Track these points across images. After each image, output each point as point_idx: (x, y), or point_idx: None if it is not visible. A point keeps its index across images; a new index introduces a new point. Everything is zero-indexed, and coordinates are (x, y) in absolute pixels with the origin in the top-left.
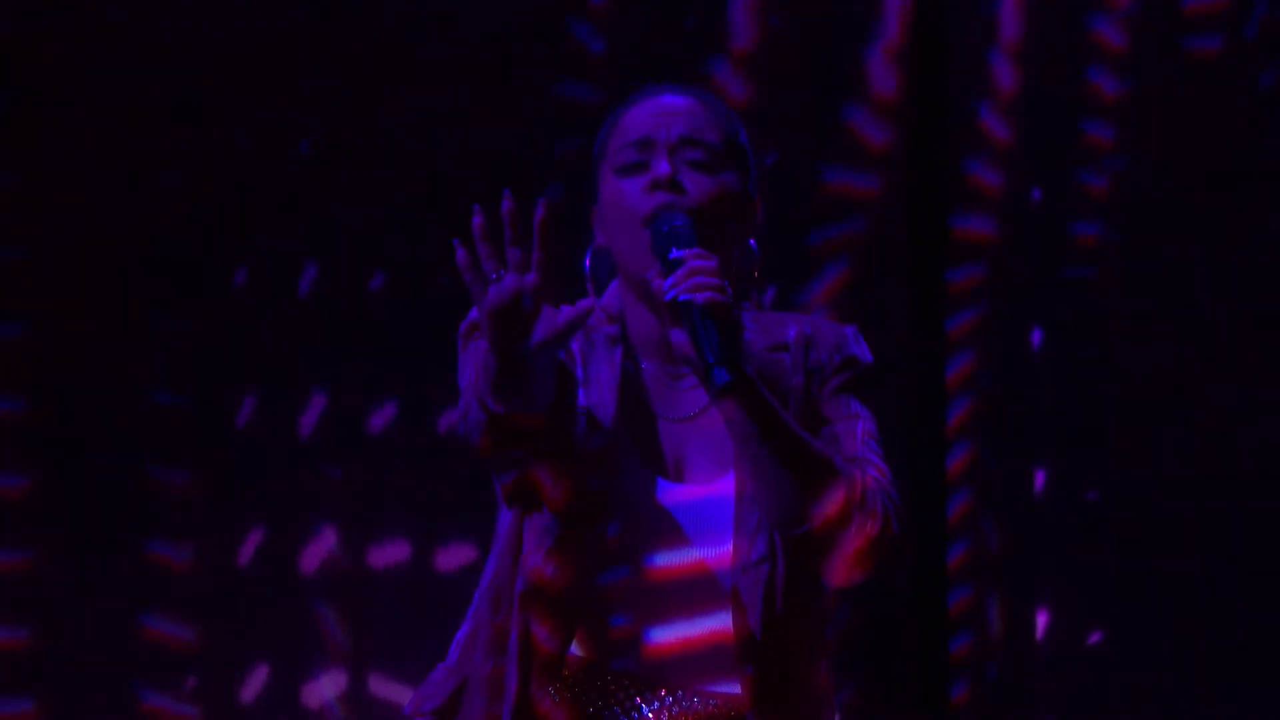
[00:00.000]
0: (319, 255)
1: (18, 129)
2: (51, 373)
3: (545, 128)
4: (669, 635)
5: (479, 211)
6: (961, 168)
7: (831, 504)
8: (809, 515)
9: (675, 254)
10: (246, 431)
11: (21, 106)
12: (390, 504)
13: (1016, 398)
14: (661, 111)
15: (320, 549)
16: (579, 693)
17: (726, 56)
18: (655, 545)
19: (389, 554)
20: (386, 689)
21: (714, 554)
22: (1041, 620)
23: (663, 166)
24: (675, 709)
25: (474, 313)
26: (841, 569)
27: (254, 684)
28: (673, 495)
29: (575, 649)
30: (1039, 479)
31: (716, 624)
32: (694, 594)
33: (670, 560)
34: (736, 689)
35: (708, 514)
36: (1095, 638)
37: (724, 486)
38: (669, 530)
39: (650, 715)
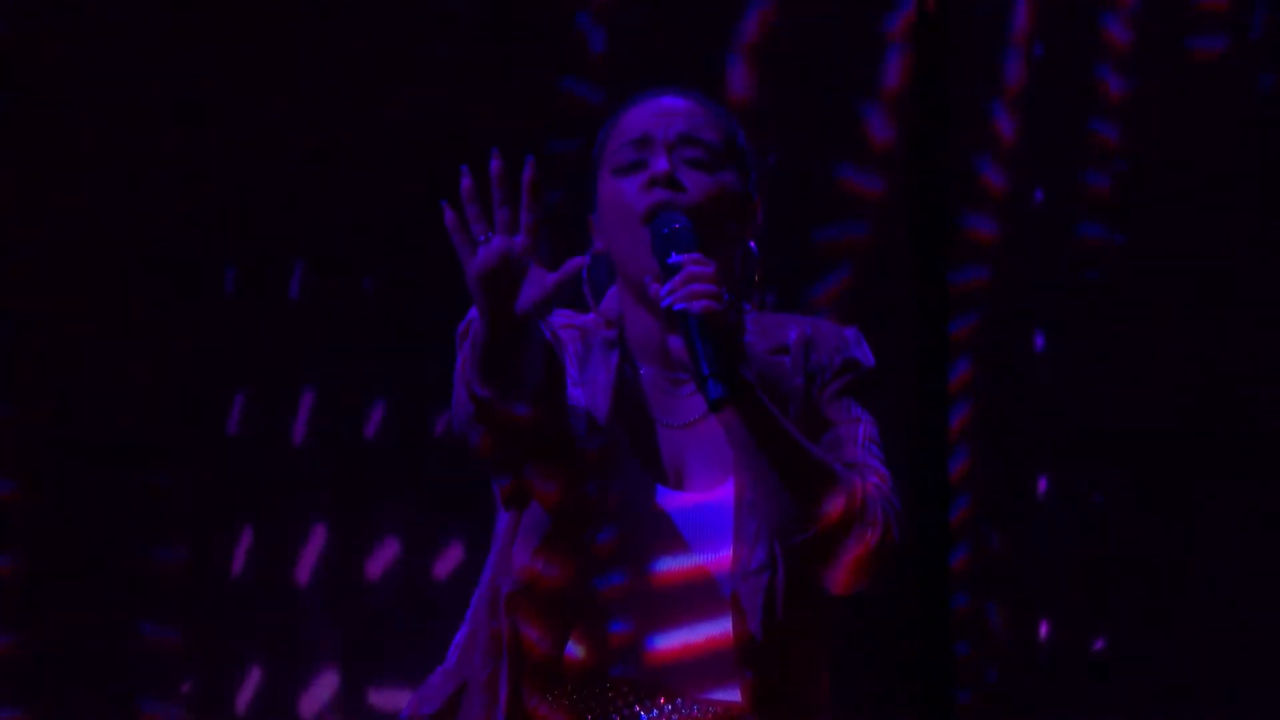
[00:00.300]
0: (312, 255)
1: (14, 129)
2: (42, 374)
3: (545, 129)
4: (669, 642)
5: (467, 172)
6: (965, 168)
7: (831, 511)
8: (808, 522)
9: (674, 259)
10: (240, 433)
11: (19, 107)
12: (385, 506)
13: (1019, 401)
14: (660, 112)
15: (315, 552)
16: (577, 699)
17: (731, 53)
18: (654, 551)
19: (384, 556)
20: (383, 693)
21: (713, 561)
22: (1043, 625)
23: (661, 164)
24: (675, 716)
25: (472, 312)
26: (842, 577)
27: (249, 689)
28: (671, 502)
29: (575, 655)
30: (1041, 484)
31: (716, 631)
32: (693, 601)
33: (669, 567)
34: (736, 696)
35: (707, 521)
36: (1097, 643)
37: (723, 493)
38: (667, 537)
39: None
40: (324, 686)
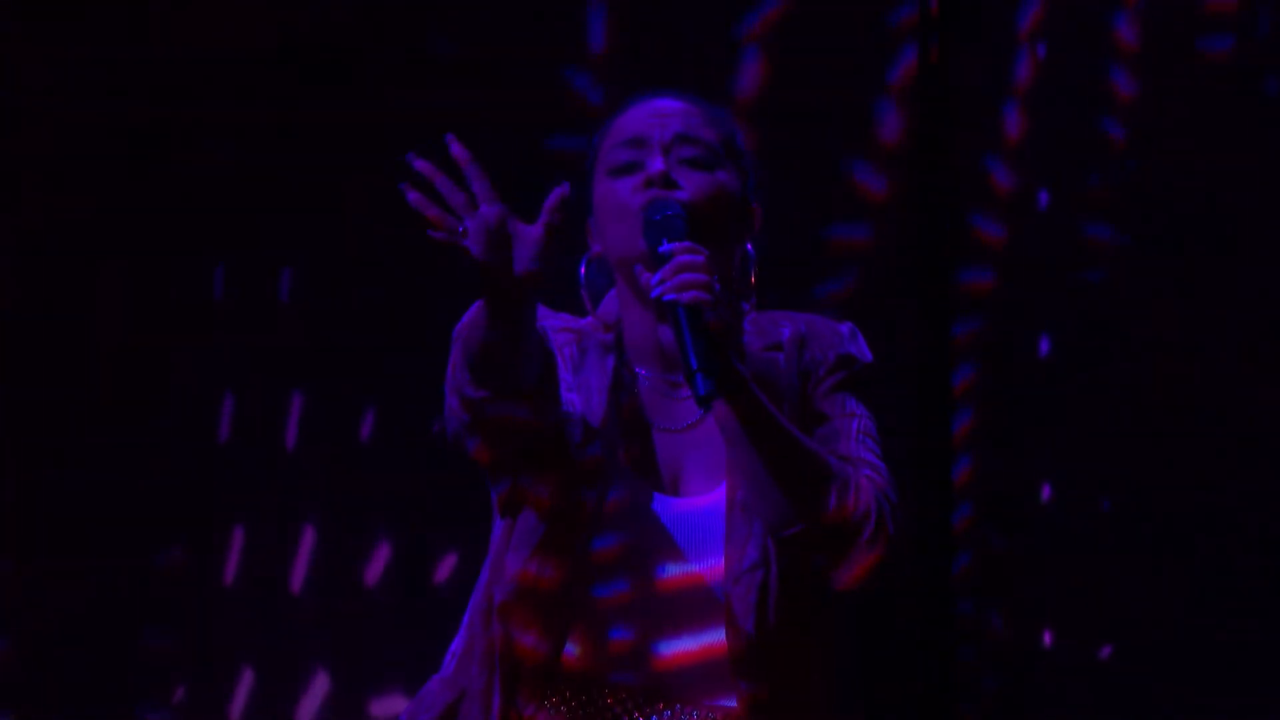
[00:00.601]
0: (304, 257)
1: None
2: (28, 377)
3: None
4: (667, 649)
5: (414, 158)
6: (972, 168)
7: (825, 504)
8: (802, 516)
9: (665, 248)
10: (231, 439)
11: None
12: (378, 510)
13: (1023, 406)
14: (656, 112)
15: (306, 557)
16: (575, 706)
17: (738, 49)
18: (650, 558)
19: (377, 561)
20: (375, 699)
21: (709, 565)
22: (1047, 631)
23: (656, 163)
24: None
25: (469, 314)
26: (838, 571)
27: (241, 696)
28: (667, 507)
29: (573, 661)
30: (1045, 490)
31: (714, 636)
32: (690, 606)
33: (666, 573)
34: (735, 702)
35: (703, 526)
36: (1101, 650)
37: (719, 497)
38: (663, 543)
39: None
40: (316, 693)
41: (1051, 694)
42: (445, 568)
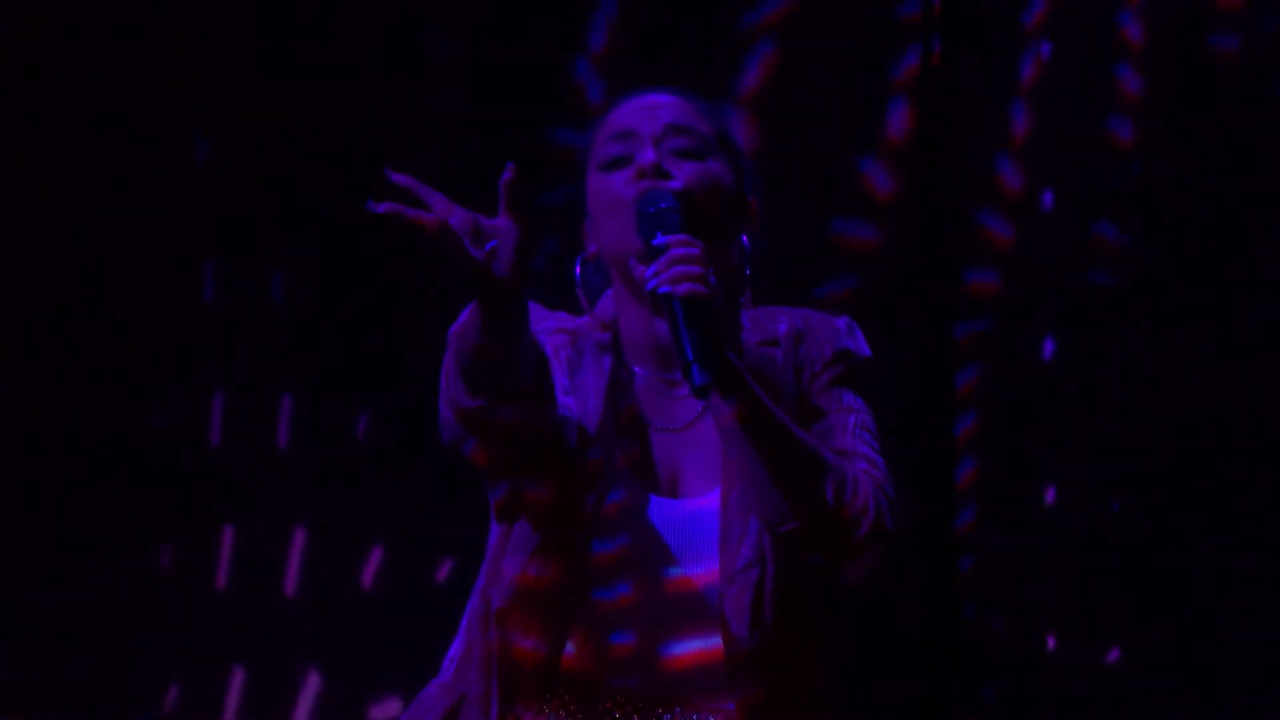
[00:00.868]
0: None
1: None
2: (20, 375)
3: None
4: (666, 652)
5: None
6: (977, 168)
7: (822, 500)
8: (799, 512)
9: (659, 240)
10: (224, 438)
11: None
12: (371, 511)
13: (1027, 409)
14: (646, 106)
15: (298, 558)
16: (575, 710)
17: (741, 49)
18: (648, 560)
19: (370, 563)
20: (365, 702)
21: (706, 567)
22: (1050, 635)
23: (647, 155)
24: None
25: (459, 321)
26: (834, 565)
27: (233, 699)
28: (664, 509)
29: (572, 665)
30: (1050, 493)
31: (712, 639)
32: (689, 608)
33: (664, 575)
34: (733, 705)
35: (699, 527)
36: (1105, 654)
37: (716, 498)
38: (661, 545)
39: None
40: (315, 697)
41: (1054, 698)
42: (442, 570)
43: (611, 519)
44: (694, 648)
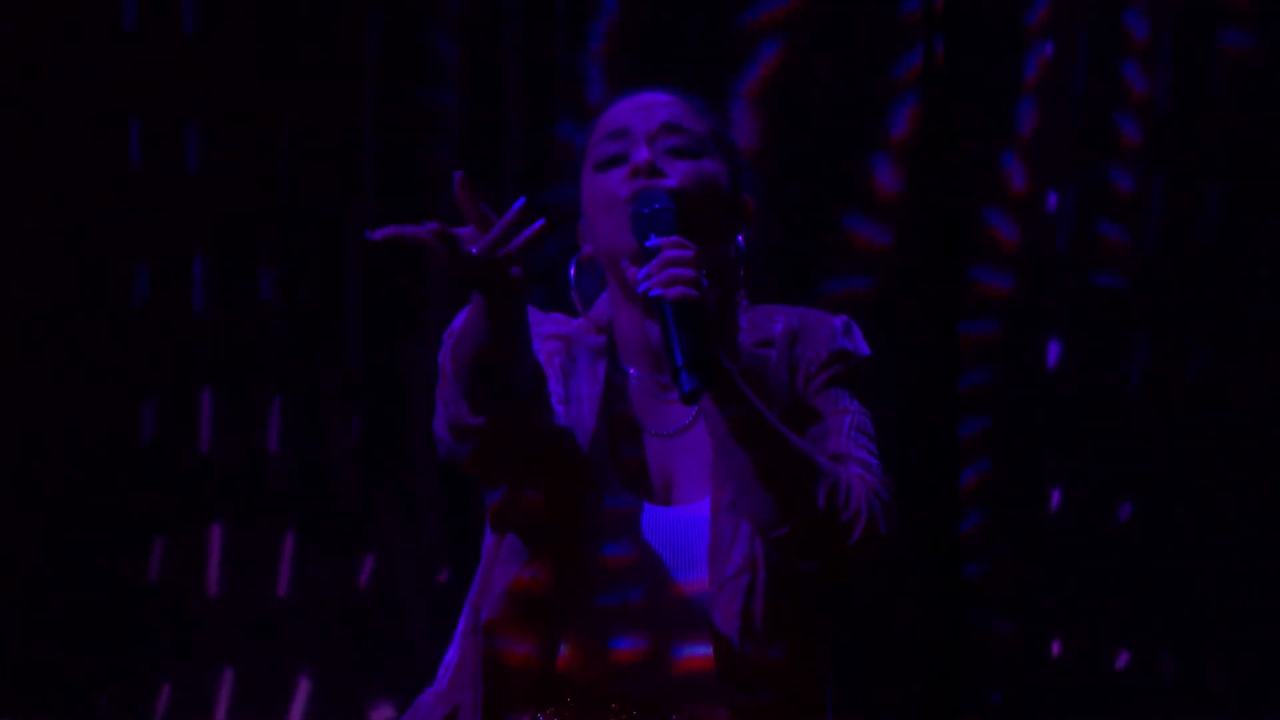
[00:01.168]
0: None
1: None
2: None
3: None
4: (661, 659)
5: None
6: (983, 168)
7: (813, 505)
8: (790, 517)
9: (652, 242)
10: (211, 441)
11: None
12: (359, 516)
13: (1032, 412)
14: (640, 105)
15: (287, 562)
16: (570, 718)
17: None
18: (641, 568)
19: (363, 568)
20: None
21: (698, 574)
22: (1055, 641)
23: (641, 153)
24: None
25: (458, 320)
26: (827, 570)
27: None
28: (657, 517)
29: (567, 673)
30: (1054, 498)
31: (705, 647)
32: (682, 616)
33: (657, 583)
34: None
35: (692, 534)
36: (1109, 659)
37: (708, 505)
38: (653, 552)
39: None
40: (312, 703)
41: (1058, 703)
42: (442, 575)
43: (604, 526)
44: (686, 655)
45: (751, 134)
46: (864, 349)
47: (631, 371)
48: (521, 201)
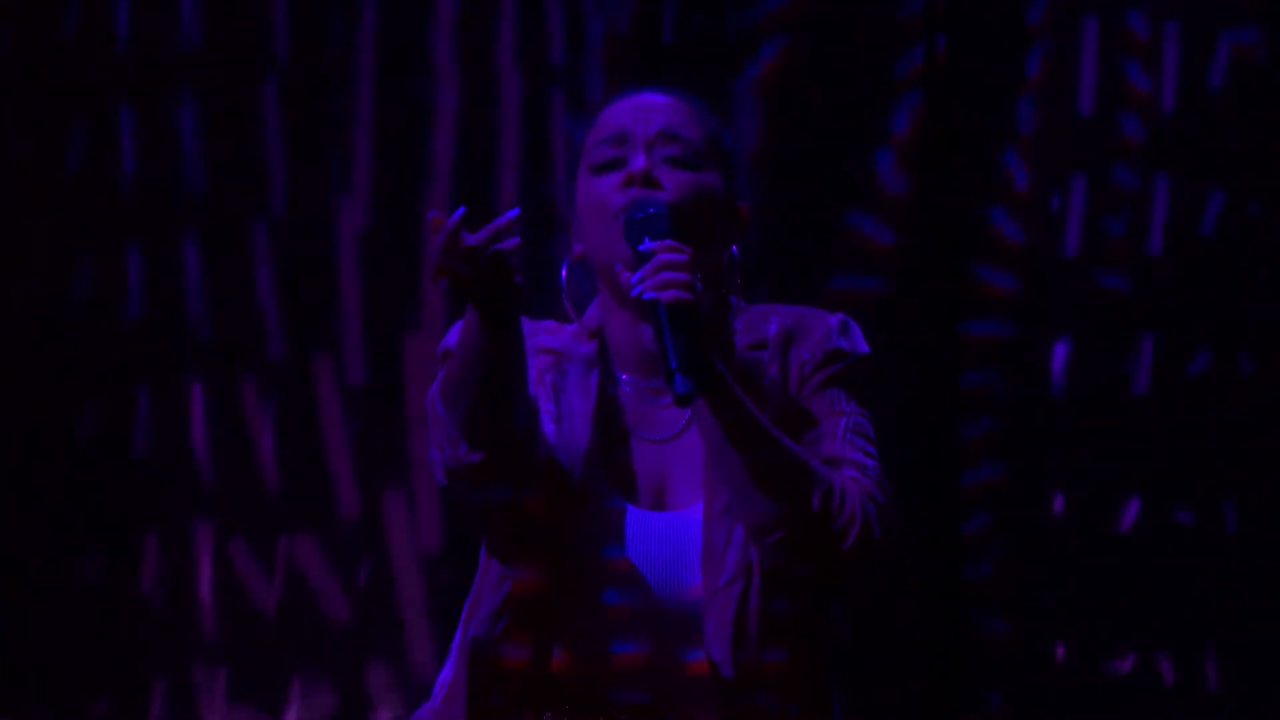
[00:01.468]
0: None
1: None
2: None
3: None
4: (654, 667)
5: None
6: (986, 168)
7: (807, 511)
8: (783, 523)
9: (645, 246)
10: (207, 438)
11: None
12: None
13: (1034, 413)
14: (639, 107)
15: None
16: None
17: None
18: (633, 575)
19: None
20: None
21: (691, 582)
22: (1058, 645)
23: (638, 161)
24: None
25: (450, 336)
26: (823, 575)
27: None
28: (649, 523)
29: (561, 683)
30: (1057, 499)
31: (699, 654)
32: (674, 624)
33: (649, 590)
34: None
35: (684, 540)
36: (1112, 664)
37: (700, 510)
38: (645, 560)
39: None
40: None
41: (1058, 704)
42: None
43: (598, 532)
44: (681, 662)
45: (753, 133)
46: (862, 347)
47: (624, 377)
48: (515, 211)
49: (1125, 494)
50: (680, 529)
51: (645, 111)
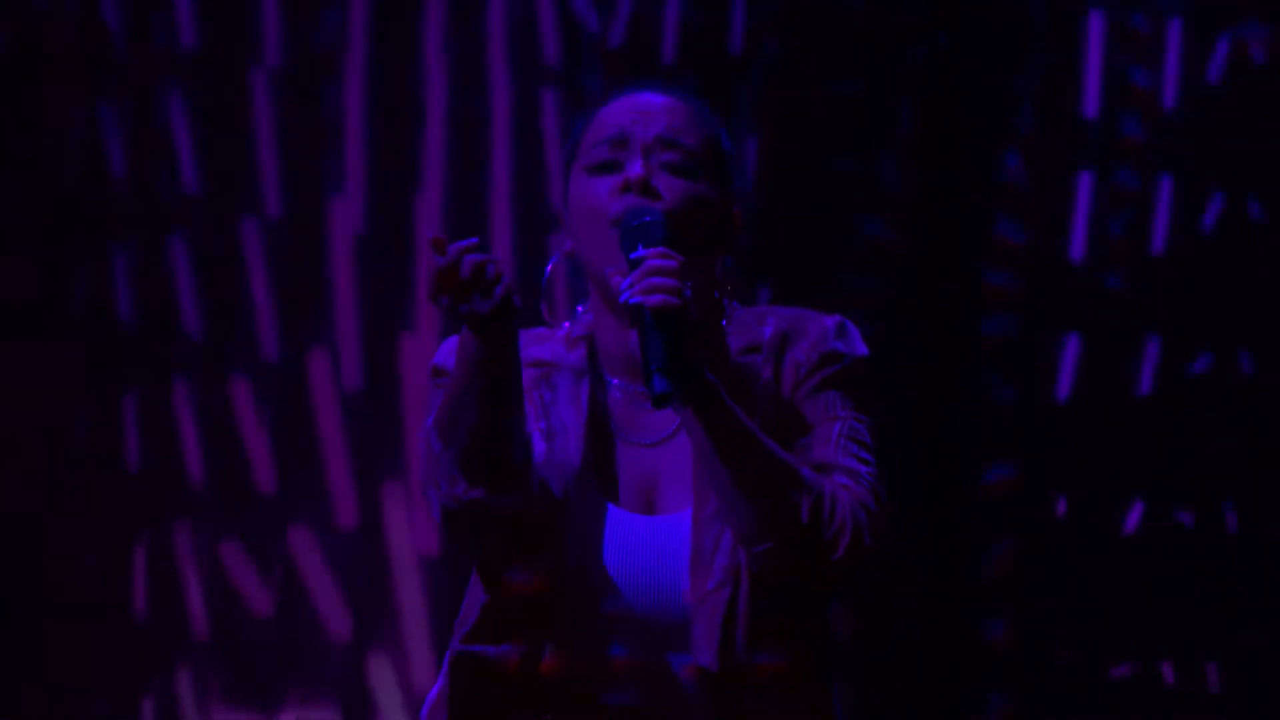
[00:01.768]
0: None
1: None
2: None
3: None
4: (644, 673)
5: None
6: (989, 169)
7: (796, 519)
8: (772, 532)
9: (636, 254)
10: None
11: None
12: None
13: (1037, 413)
14: (638, 109)
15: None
16: None
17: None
18: (622, 579)
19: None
20: None
21: (680, 587)
22: (1060, 647)
23: (636, 168)
24: None
25: (442, 352)
26: (813, 583)
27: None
28: (638, 527)
29: (549, 687)
30: (1061, 504)
31: (686, 659)
32: (663, 630)
33: (639, 594)
34: None
35: (673, 545)
36: (1114, 667)
37: (689, 514)
38: (634, 565)
39: None
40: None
41: (1062, 708)
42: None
43: (587, 537)
44: (671, 667)
45: (753, 133)
46: (860, 349)
47: (614, 381)
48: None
49: (1128, 496)
50: (670, 533)
51: (644, 114)
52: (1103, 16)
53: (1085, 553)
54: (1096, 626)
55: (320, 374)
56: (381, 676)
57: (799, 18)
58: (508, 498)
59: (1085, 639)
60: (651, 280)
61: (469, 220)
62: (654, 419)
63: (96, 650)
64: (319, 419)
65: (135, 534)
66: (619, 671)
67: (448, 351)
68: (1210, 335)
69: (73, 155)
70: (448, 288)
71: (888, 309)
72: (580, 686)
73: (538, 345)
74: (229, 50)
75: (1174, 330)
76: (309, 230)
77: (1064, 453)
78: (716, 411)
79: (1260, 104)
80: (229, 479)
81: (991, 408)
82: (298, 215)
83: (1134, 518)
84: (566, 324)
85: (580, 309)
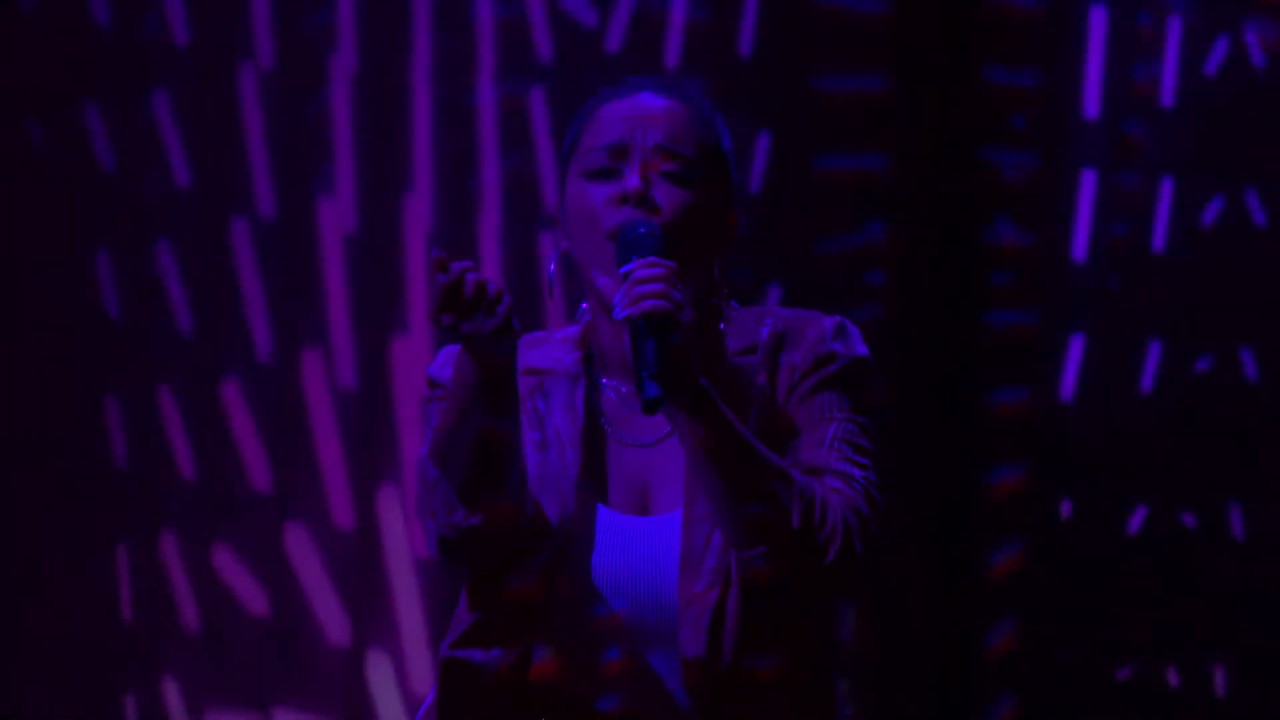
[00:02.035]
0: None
1: None
2: None
3: None
4: (636, 675)
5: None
6: (990, 169)
7: (786, 524)
8: (763, 537)
9: (625, 268)
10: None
11: None
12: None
13: (1041, 414)
14: (638, 114)
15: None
16: None
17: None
18: (614, 580)
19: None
20: None
21: (670, 588)
22: (1062, 649)
23: (633, 180)
24: None
25: (436, 363)
26: (803, 588)
27: None
28: (629, 528)
29: (541, 690)
30: (1066, 506)
31: (675, 662)
32: (653, 631)
33: (631, 596)
34: None
35: (664, 546)
36: (1118, 670)
37: (680, 515)
38: (624, 565)
39: None
40: None
41: (1069, 710)
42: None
43: (579, 538)
44: (661, 668)
45: (752, 133)
46: (858, 350)
47: (608, 382)
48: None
49: (1133, 497)
50: (661, 535)
51: (643, 120)
52: (1104, 15)
53: (1090, 554)
54: (1101, 628)
55: (313, 374)
56: (378, 678)
57: (799, 18)
58: (508, 522)
59: (1090, 641)
60: (638, 289)
61: (459, 220)
62: (648, 420)
63: (89, 654)
64: (312, 419)
65: (126, 536)
66: (610, 674)
67: (443, 361)
68: (1212, 335)
69: (62, 154)
70: (450, 306)
71: (891, 310)
72: (571, 690)
73: (534, 350)
74: (218, 50)
75: (1176, 330)
76: (299, 229)
77: (1069, 454)
78: (707, 416)
79: (1261, 103)
80: (222, 480)
81: (995, 409)
82: (288, 215)
83: (1137, 519)
84: (568, 328)
85: (584, 305)
